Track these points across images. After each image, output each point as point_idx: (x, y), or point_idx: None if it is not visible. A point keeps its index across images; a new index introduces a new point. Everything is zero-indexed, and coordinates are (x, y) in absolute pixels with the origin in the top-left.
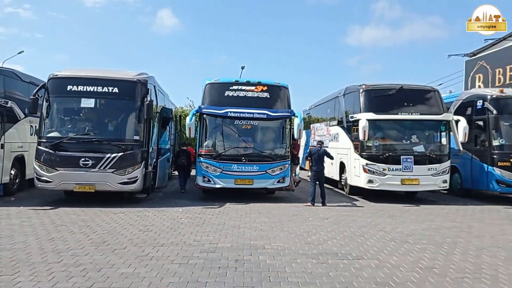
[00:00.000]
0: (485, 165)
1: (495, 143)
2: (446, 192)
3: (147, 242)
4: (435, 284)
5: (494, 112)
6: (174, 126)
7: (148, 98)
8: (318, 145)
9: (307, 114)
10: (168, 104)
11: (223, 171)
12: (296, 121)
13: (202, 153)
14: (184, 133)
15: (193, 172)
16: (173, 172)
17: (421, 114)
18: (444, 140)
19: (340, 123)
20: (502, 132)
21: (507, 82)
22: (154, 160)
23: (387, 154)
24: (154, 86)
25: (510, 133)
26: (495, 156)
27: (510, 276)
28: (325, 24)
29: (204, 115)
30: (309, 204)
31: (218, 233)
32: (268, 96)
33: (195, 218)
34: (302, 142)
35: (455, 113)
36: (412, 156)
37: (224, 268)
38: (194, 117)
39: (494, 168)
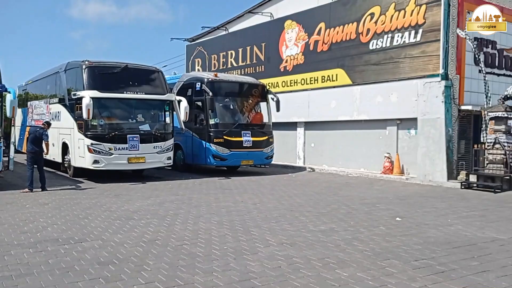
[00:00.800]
0: (204, 142)
1: (211, 122)
2: (170, 168)
3: None
4: (157, 255)
5: (210, 94)
6: None
7: None
8: (43, 125)
9: (23, 90)
10: None
11: None
12: (9, 97)
13: None
14: None
15: None
16: None
17: (146, 93)
18: (168, 119)
19: (62, 101)
20: (217, 112)
21: (221, 67)
22: None
23: (113, 134)
24: None
25: (223, 113)
26: (211, 134)
27: (221, 238)
28: None
29: None
30: (27, 190)
31: None
32: None
33: None
34: (18, 122)
35: (178, 94)
36: (138, 135)
37: None
38: None
39: (211, 144)
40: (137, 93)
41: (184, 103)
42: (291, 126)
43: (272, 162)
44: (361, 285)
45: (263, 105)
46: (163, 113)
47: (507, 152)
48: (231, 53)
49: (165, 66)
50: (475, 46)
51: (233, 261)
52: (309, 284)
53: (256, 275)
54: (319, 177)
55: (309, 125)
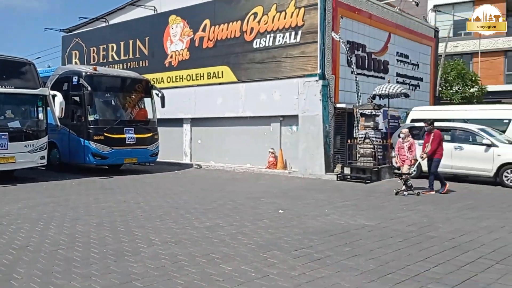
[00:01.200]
0: (82, 140)
1: (91, 118)
2: (45, 168)
3: None
4: (28, 262)
5: (89, 88)
6: None
7: None
8: None
9: None
10: None
11: None
12: None
13: None
14: None
15: None
16: None
17: (15, 87)
18: (41, 116)
19: None
20: (96, 108)
21: (101, 61)
22: None
23: None
24: None
25: (104, 108)
26: (90, 131)
27: (100, 240)
28: None
29: None
30: None
31: None
32: None
33: None
34: None
35: (52, 88)
36: (7, 133)
37: None
38: None
39: (90, 142)
40: (5, 87)
41: (59, 98)
42: (177, 122)
43: (158, 160)
44: (244, 278)
45: (147, 101)
46: (35, 108)
47: (376, 146)
48: (112, 46)
49: (38, 58)
50: (347, 48)
51: (113, 264)
52: (193, 281)
53: (138, 276)
54: (206, 174)
55: (196, 122)
